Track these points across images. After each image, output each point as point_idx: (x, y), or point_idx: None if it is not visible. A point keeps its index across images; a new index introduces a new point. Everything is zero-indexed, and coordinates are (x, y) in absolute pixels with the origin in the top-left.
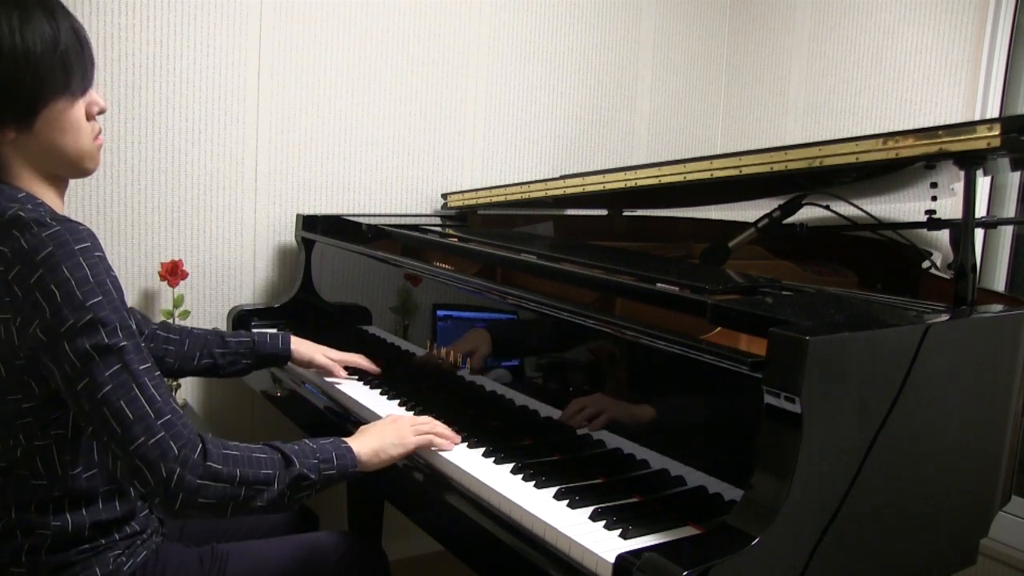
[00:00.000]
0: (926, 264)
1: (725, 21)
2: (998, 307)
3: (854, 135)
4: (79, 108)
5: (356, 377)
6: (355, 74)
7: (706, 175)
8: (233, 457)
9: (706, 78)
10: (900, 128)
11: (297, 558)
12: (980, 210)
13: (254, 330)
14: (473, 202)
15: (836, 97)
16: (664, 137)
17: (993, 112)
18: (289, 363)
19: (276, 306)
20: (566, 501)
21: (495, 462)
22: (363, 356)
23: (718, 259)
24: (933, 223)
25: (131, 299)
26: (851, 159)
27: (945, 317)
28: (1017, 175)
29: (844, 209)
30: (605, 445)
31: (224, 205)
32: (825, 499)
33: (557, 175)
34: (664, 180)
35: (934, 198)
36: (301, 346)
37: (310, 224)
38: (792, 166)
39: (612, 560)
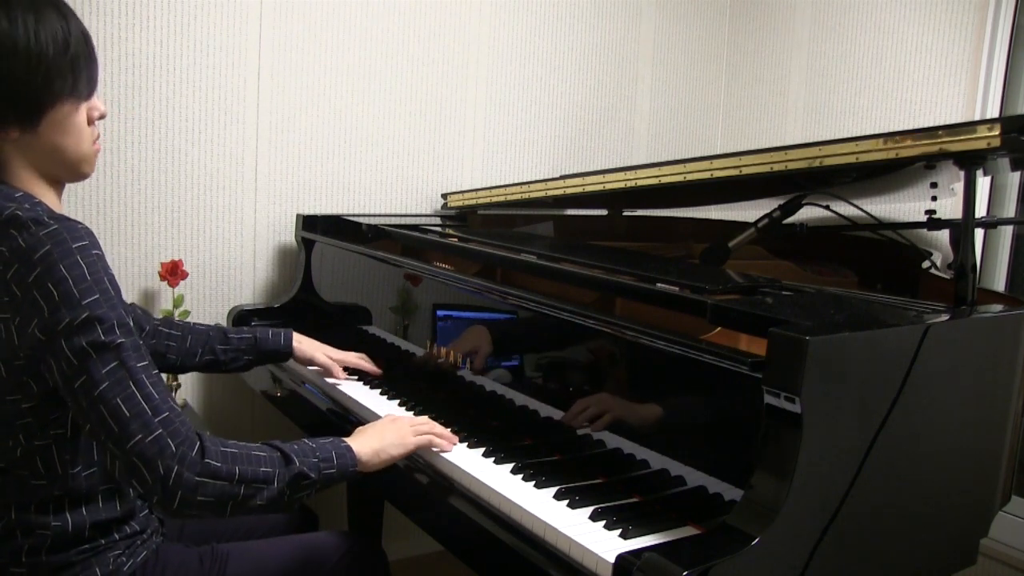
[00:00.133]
0: (926, 264)
1: (725, 21)
2: (998, 307)
3: (854, 135)
4: (83, 112)
5: (356, 377)
6: (355, 74)
7: (706, 175)
8: (232, 455)
9: (706, 78)
10: (900, 128)
11: (297, 558)
12: (980, 210)
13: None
14: (473, 202)
15: (836, 97)
16: (664, 137)
17: (993, 112)
18: (291, 359)
19: (276, 306)
20: (566, 501)
21: (495, 462)
22: (365, 357)
23: (718, 259)
24: (933, 223)
25: (131, 299)
26: (851, 159)
27: (945, 317)
28: (1017, 175)
29: (844, 209)
30: (605, 445)
31: (224, 205)
32: (825, 499)
33: (557, 175)
34: (664, 180)
35: (934, 198)
36: (303, 343)
37: (310, 224)
38: (792, 166)
39: (612, 560)
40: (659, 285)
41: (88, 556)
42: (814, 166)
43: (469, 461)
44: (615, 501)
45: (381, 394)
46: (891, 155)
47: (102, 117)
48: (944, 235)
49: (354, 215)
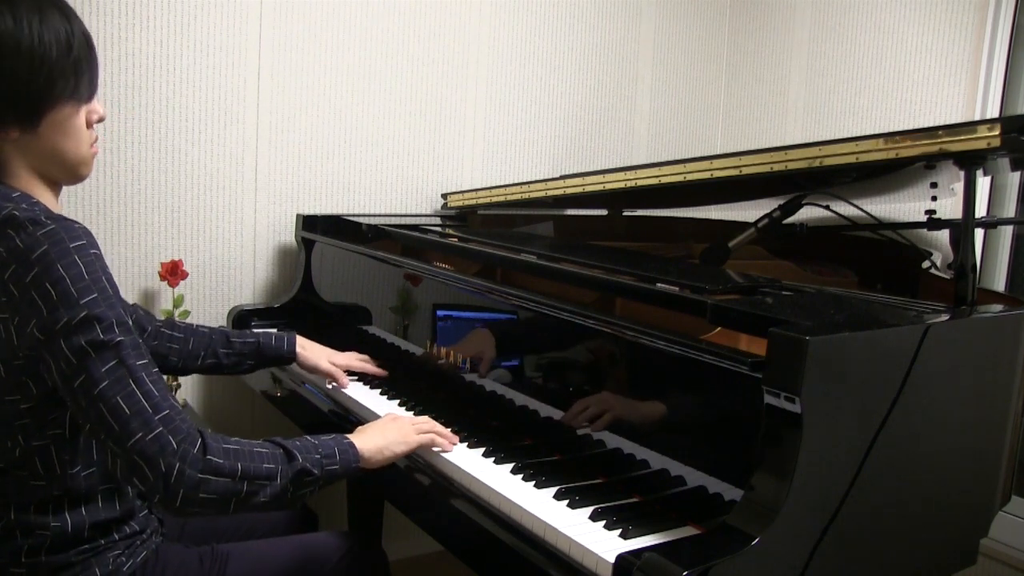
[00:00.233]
0: (926, 264)
1: (725, 21)
2: (998, 307)
3: (854, 135)
4: (82, 115)
5: (355, 377)
6: (355, 74)
7: (706, 175)
8: (234, 451)
9: (706, 78)
10: (900, 128)
11: (297, 558)
12: (980, 210)
13: (257, 327)
14: (473, 202)
15: (836, 97)
16: (664, 137)
17: (993, 112)
18: (294, 364)
19: (276, 306)
20: (566, 501)
21: (495, 462)
22: (367, 358)
23: (718, 259)
24: (933, 223)
25: (131, 299)
26: (851, 159)
27: (945, 317)
28: (1017, 175)
29: (844, 209)
30: (605, 445)
31: (224, 205)
32: (825, 499)
33: (557, 175)
34: (664, 180)
35: (934, 198)
36: (306, 350)
37: (310, 224)
38: (792, 166)
39: (612, 560)
40: (659, 285)
41: (88, 556)
42: (814, 166)
43: (469, 461)
44: (615, 501)
45: (381, 394)
46: (891, 155)
47: (101, 120)
48: (944, 235)
49: (354, 215)
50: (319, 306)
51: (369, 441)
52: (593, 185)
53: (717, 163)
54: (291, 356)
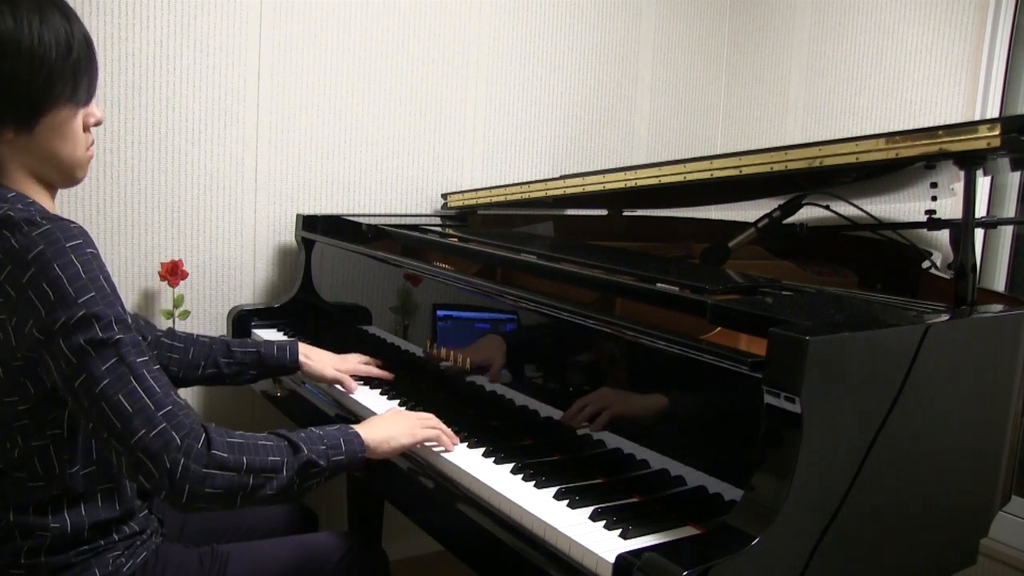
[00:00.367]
0: (926, 264)
1: (725, 21)
2: (998, 307)
3: (854, 135)
4: (80, 117)
5: (360, 379)
6: (355, 74)
7: (706, 175)
8: (239, 445)
9: (706, 78)
10: (900, 128)
11: (297, 559)
12: (980, 210)
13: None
14: (473, 202)
15: (836, 97)
16: (664, 137)
17: (993, 112)
18: (298, 373)
19: (276, 306)
20: (566, 501)
21: (495, 462)
22: (369, 360)
23: (718, 259)
24: (933, 223)
25: (131, 299)
26: (851, 159)
27: (945, 317)
28: (1017, 175)
29: (844, 209)
30: (605, 445)
31: (224, 205)
32: (825, 499)
33: (557, 175)
34: (664, 180)
35: (934, 198)
36: (311, 360)
37: (310, 224)
38: (792, 166)
39: (612, 560)
40: (659, 285)
41: (87, 557)
42: (814, 166)
43: (469, 461)
44: (615, 501)
45: (381, 394)
46: (891, 155)
47: (98, 124)
48: (944, 235)
49: (354, 215)
50: (319, 306)
51: (374, 431)
52: (593, 185)
53: (717, 163)
54: (294, 366)
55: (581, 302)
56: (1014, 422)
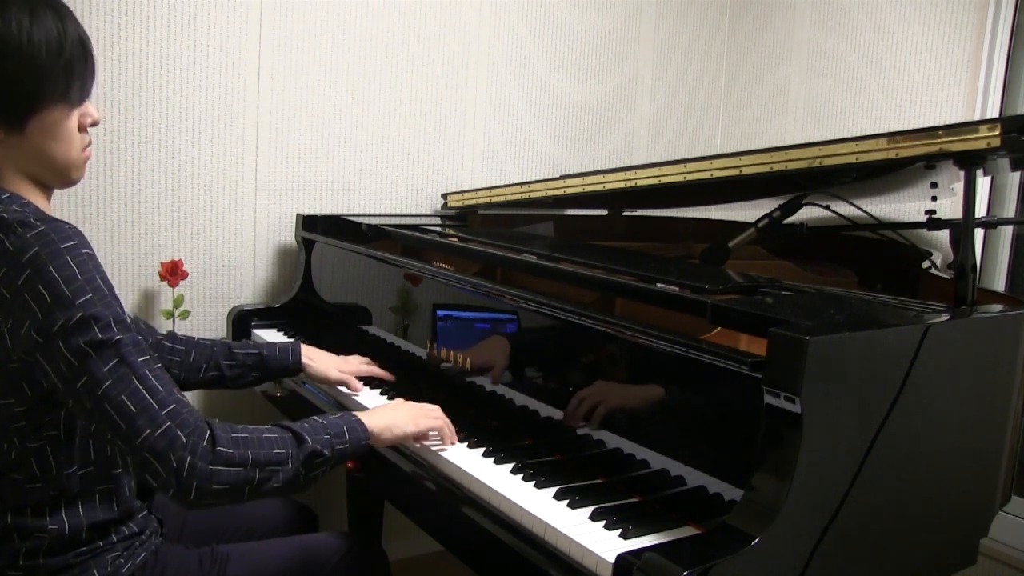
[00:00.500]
0: (926, 264)
1: (725, 21)
2: (998, 307)
3: (854, 135)
4: (73, 118)
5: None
6: (355, 74)
7: (706, 175)
8: (243, 440)
9: (706, 78)
10: (900, 128)
11: (297, 559)
12: (980, 210)
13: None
14: (473, 202)
15: (836, 97)
16: (664, 137)
17: (993, 112)
18: (301, 375)
19: (276, 306)
20: (566, 501)
21: (495, 462)
22: (371, 361)
23: (718, 259)
24: (933, 223)
25: (131, 299)
26: (851, 159)
27: (945, 317)
28: (1017, 175)
29: (844, 209)
30: (605, 445)
31: (224, 205)
32: (825, 499)
33: (557, 175)
34: (664, 180)
35: (934, 198)
36: (313, 361)
37: (310, 224)
38: (792, 166)
39: (612, 560)
40: (659, 285)
41: (86, 558)
42: (814, 166)
43: (469, 461)
44: (615, 501)
45: (381, 394)
46: (891, 155)
47: (95, 124)
48: (944, 235)
49: (354, 215)
50: (319, 306)
51: (377, 419)
52: (593, 185)
53: (717, 163)
54: (297, 367)
55: (581, 302)
56: (1014, 422)
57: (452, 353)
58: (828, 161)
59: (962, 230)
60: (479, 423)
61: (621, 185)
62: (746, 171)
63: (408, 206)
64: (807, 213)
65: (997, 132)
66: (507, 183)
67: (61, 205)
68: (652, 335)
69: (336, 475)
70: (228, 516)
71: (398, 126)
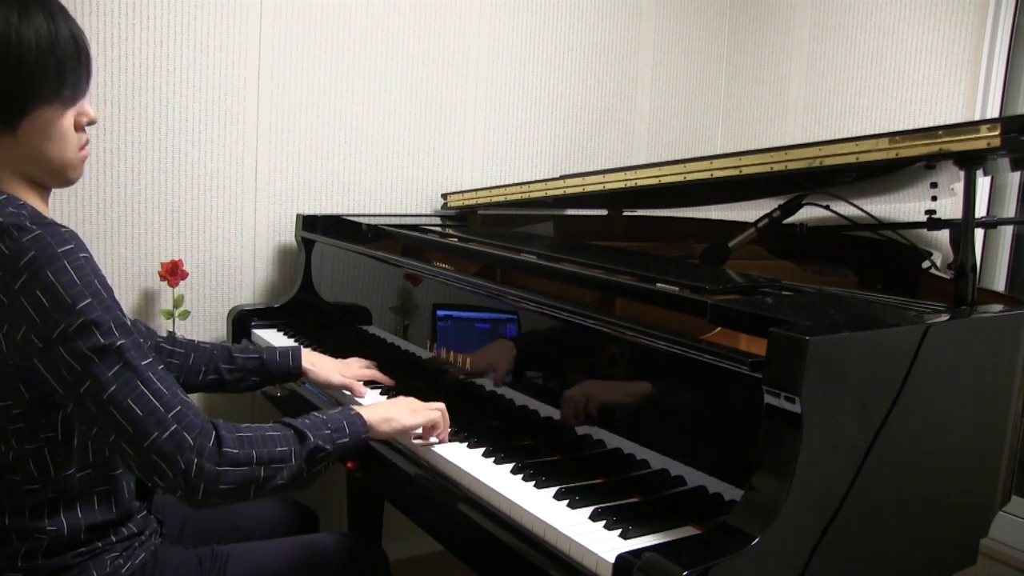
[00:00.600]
0: (926, 264)
1: (725, 21)
2: (998, 307)
3: (854, 135)
4: (68, 117)
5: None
6: (355, 74)
7: (706, 175)
8: (247, 439)
9: (706, 78)
10: (900, 128)
11: (297, 559)
12: (980, 210)
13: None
14: (473, 202)
15: (836, 97)
16: (664, 137)
17: (993, 112)
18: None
19: (276, 306)
20: (566, 501)
21: (495, 462)
22: (372, 364)
23: (718, 259)
24: (933, 223)
25: (131, 299)
26: (851, 159)
27: (945, 317)
28: (1017, 175)
29: (844, 209)
30: (605, 445)
31: (224, 205)
32: (825, 499)
33: (557, 175)
34: (664, 180)
35: (934, 198)
36: (314, 366)
37: (310, 224)
38: (792, 166)
39: (612, 560)
40: (659, 285)
41: (85, 559)
42: (814, 166)
43: (469, 461)
44: (615, 501)
45: (381, 394)
46: (891, 155)
47: (92, 123)
48: (944, 235)
49: (354, 215)
50: (319, 306)
51: (376, 412)
52: (593, 185)
53: (717, 163)
54: (298, 372)
55: (581, 302)
56: (1014, 422)
57: (452, 353)
58: (828, 161)
59: (962, 230)
60: (479, 423)
61: (621, 185)
62: (746, 171)
63: (408, 206)
64: (807, 213)
65: (997, 132)
66: (507, 183)
67: (61, 205)
68: (652, 335)
69: (336, 475)
70: (228, 516)
71: (398, 126)
